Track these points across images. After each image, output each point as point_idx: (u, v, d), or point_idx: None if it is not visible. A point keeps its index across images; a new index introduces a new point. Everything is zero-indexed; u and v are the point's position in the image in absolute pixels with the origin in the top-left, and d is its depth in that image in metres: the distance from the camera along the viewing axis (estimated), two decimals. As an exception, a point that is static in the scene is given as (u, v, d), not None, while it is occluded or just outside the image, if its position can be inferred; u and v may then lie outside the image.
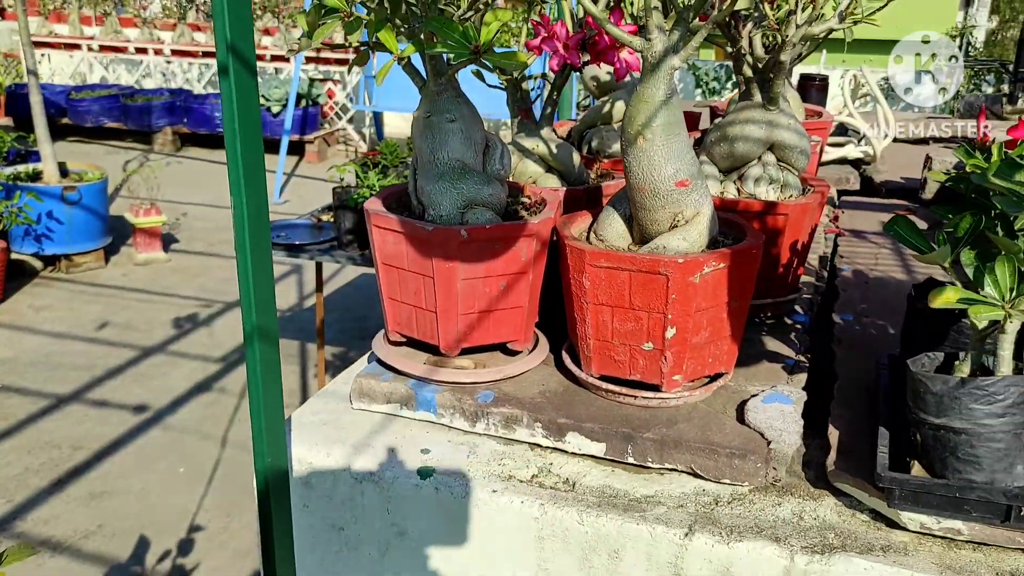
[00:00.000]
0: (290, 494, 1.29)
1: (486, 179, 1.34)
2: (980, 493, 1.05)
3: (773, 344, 1.54)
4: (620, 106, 1.91)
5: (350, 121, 10.33)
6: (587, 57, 1.47)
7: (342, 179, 3.76)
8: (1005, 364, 1.09)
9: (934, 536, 1.12)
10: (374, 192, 3.14)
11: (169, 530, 3.24)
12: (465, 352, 1.38)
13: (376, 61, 7.48)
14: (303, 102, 9.49)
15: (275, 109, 9.34)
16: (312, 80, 9.89)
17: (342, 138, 10.30)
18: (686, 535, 1.14)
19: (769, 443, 1.22)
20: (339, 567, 1.34)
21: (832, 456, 1.21)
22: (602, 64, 1.77)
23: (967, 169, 1.13)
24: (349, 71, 1.48)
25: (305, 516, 1.33)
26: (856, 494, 1.18)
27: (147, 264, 6.16)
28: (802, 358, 1.49)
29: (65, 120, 10.04)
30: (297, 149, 9.58)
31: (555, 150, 1.62)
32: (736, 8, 1.32)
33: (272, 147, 8.31)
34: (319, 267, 3.86)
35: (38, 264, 5.88)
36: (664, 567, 1.16)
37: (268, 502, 1.23)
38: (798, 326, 1.61)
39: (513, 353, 1.41)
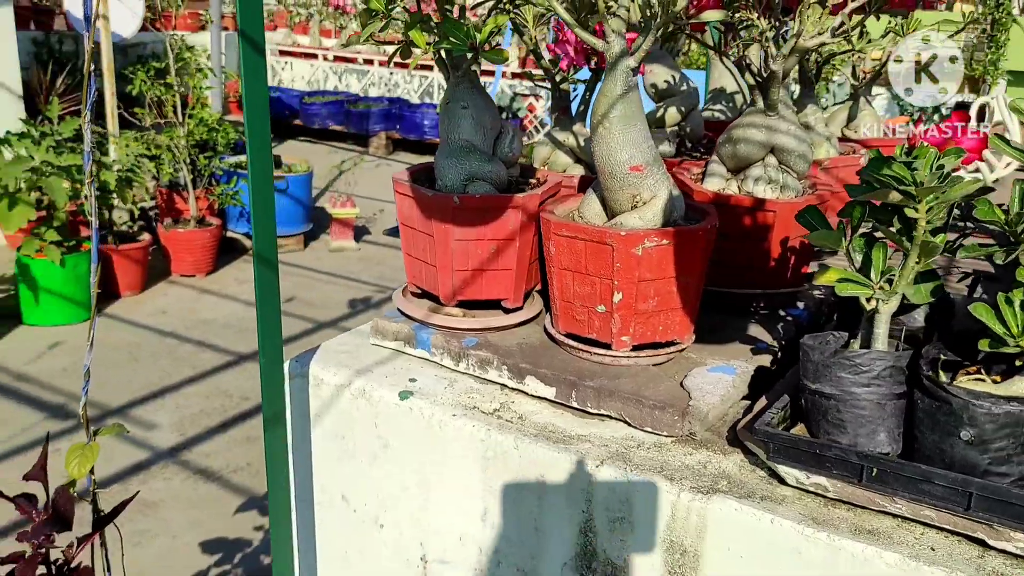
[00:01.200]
0: (309, 410, 1.59)
1: (489, 159, 1.59)
2: (837, 452, 1.16)
3: (755, 330, 1.67)
4: (672, 112, 2.08)
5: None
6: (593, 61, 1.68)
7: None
8: (879, 340, 1.20)
9: (809, 492, 1.23)
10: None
11: (302, 474, 3.68)
12: (465, 305, 1.62)
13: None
14: (503, 114, 10.02)
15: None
16: (515, 94, 10.42)
17: (539, 151, 10.74)
18: (597, 466, 1.33)
19: (689, 401, 1.38)
20: (341, 471, 1.62)
21: (747, 418, 1.35)
22: (657, 72, 1.97)
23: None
24: (389, 63, 1.77)
25: (317, 427, 1.62)
26: (758, 452, 1.31)
27: (338, 251, 6.82)
28: (775, 344, 1.61)
29: (297, 121, 11.20)
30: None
31: (583, 143, 1.83)
32: (708, 21, 1.48)
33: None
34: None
35: (247, 243, 6.69)
36: (578, 492, 1.35)
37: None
38: (789, 319, 1.72)
39: (507, 311, 1.64)
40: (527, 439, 1.39)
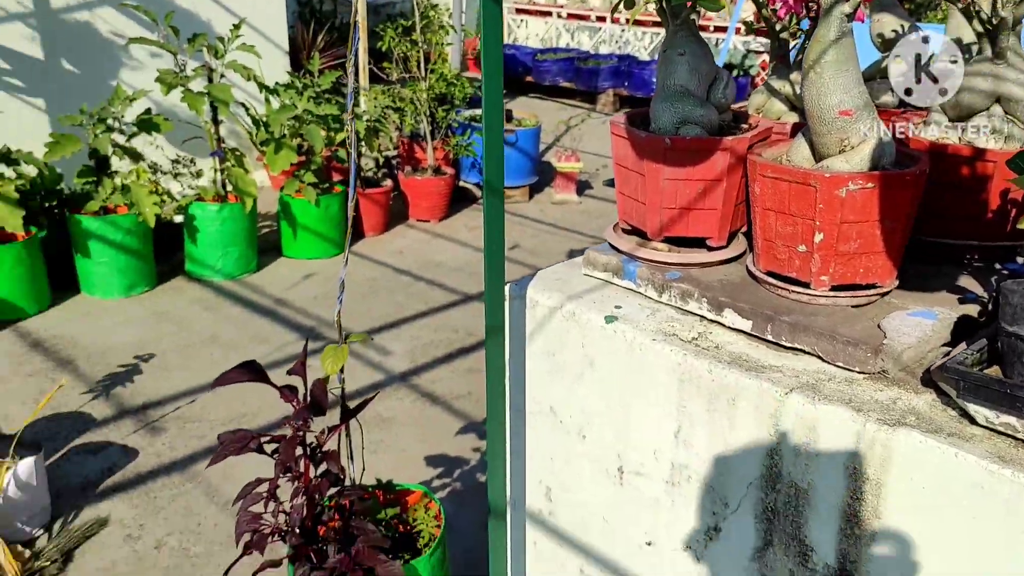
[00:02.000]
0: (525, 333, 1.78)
1: (702, 103, 1.68)
2: (1028, 393, 1.18)
3: (966, 282, 1.66)
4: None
5: (781, 94, 10.40)
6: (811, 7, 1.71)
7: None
8: (1084, 287, 1.19)
9: (998, 432, 1.25)
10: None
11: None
12: (670, 241, 1.74)
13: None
14: (735, 71, 9.80)
15: (707, 77, 9.79)
16: (748, 51, 10.13)
17: (770, 110, 10.42)
18: (787, 394, 1.41)
19: (884, 340, 1.42)
20: (550, 385, 1.80)
21: (942, 360, 1.37)
22: (885, 21, 1.97)
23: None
24: (612, 14, 1.88)
25: (531, 344, 1.81)
26: (948, 390, 1.33)
27: (561, 204, 7.05)
28: (985, 296, 1.59)
29: (529, 78, 11.53)
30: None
31: (799, 91, 1.87)
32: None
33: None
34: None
35: (477, 193, 7.07)
36: (767, 417, 1.44)
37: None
38: (1005, 272, 1.69)
39: (711, 249, 1.74)
40: (722, 365, 1.49)
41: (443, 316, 4.91)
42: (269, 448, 2.10)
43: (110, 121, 4.82)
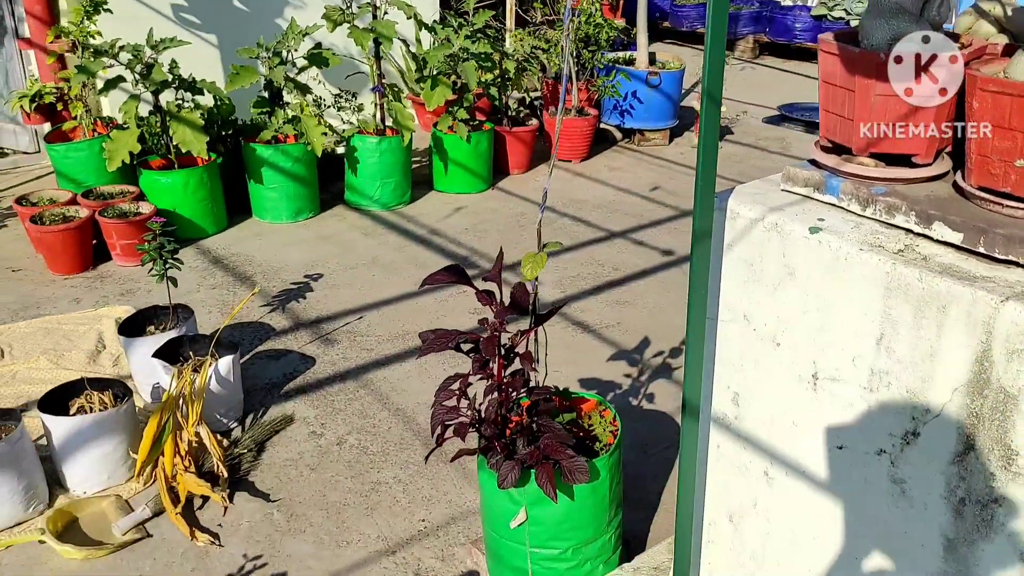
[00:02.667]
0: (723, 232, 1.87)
1: (916, 20, 1.70)
2: None
3: None
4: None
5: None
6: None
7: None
8: None
9: None
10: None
11: (667, 338, 4.04)
12: (876, 157, 1.78)
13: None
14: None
15: (853, 24, 9.45)
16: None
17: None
18: (1001, 302, 1.46)
19: (1106, 252, 1.44)
20: (746, 293, 1.89)
21: None
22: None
23: None
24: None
25: (729, 254, 1.89)
26: None
27: (703, 148, 7.01)
28: None
29: (666, 24, 11.37)
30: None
31: (1010, 13, 1.86)
32: None
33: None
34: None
35: (618, 135, 7.11)
36: (979, 324, 1.49)
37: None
38: None
39: (916, 167, 1.77)
40: (932, 274, 1.55)
41: (589, 251, 5.02)
42: (466, 348, 2.28)
43: (284, 54, 5.08)
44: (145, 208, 4.68)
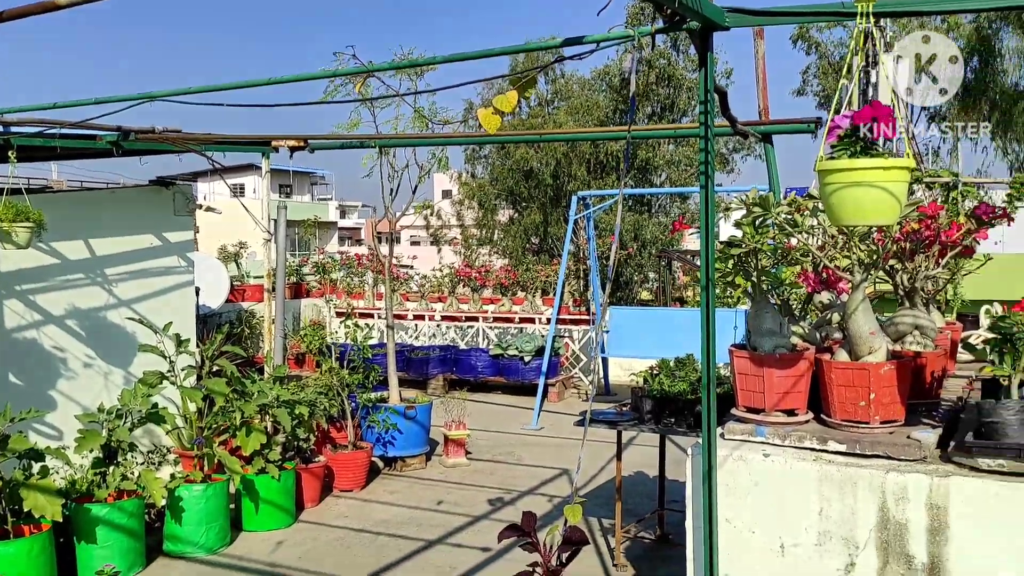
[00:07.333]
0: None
1: (783, 336, 3.14)
2: (1007, 445, 2.64)
3: (926, 418, 3.16)
4: (836, 316, 3.67)
5: (581, 369, 12.43)
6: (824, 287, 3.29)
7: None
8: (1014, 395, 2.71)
9: (995, 472, 2.68)
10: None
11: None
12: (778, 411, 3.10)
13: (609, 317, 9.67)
14: (551, 352, 11.70)
15: (527, 359, 11.65)
16: (555, 336, 12.17)
17: (575, 382, 12.36)
18: (886, 473, 2.76)
19: (919, 441, 2.84)
20: (726, 502, 3.00)
21: (951, 446, 2.81)
22: (824, 293, 3.58)
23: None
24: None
25: (719, 476, 3.02)
26: (958, 459, 2.76)
27: (455, 467, 8.13)
28: (938, 425, 3.09)
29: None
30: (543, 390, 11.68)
31: (806, 332, 3.40)
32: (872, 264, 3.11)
33: (526, 390, 10.52)
34: (620, 435, 5.60)
35: (381, 464, 7.98)
36: (876, 488, 2.77)
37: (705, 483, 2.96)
38: (935, 414, 3.22)
39: (797, 415, 3.12)
40: (843, 467, 2.83)
41: (423, 557, 5.72)
42: None
43: (124, 416, 5.44)
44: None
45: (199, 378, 6.50)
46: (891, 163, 2.33)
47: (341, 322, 8.91)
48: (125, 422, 5.49)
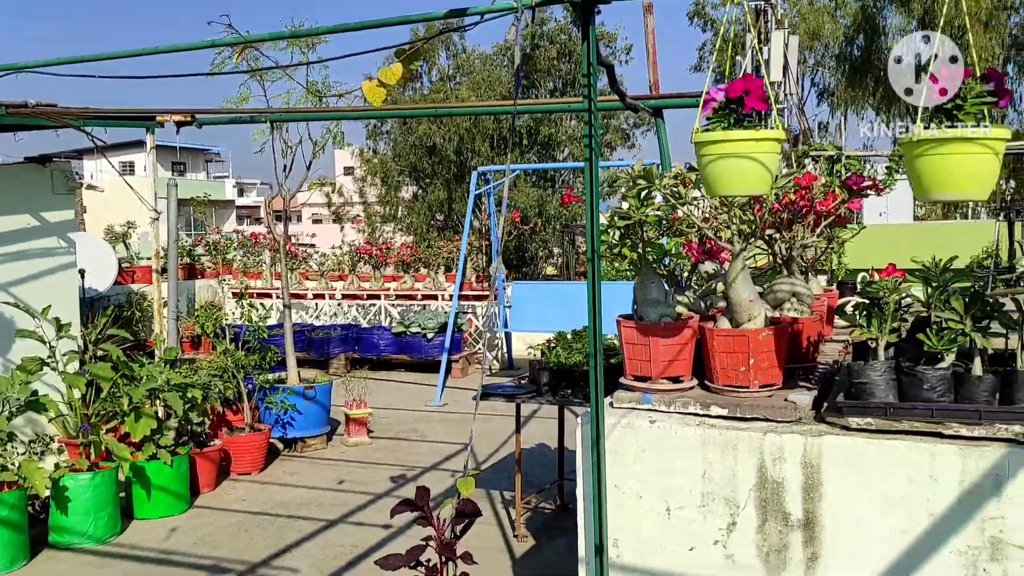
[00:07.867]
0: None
1: (668, 305, 3.21)
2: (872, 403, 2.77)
3: (803, 381, 3.29)
4: (720, 285, 3.78)
5: (484, 345, 12.48)
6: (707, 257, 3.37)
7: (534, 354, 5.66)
8: (880, 357, 2.85)
9: (861, 430, 2.81)
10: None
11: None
12: (665, 379, 3.17)
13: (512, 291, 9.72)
14: (455, 328, 11.69)
15: (430, 335, 11.62)
16: (458, 312, 12.16)
17: (479, 358, 12.40)
18: (763, 435, 2.86)
19: (795, 404, 2.96)
20: (612, 471, 3.06)
21: (824, 407, 2.93)
22: (708, 263, 3.68)
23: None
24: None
25: (607, 443, 3.08)
26: (830, 419, 2.88)
27: (356, 446, 8.06)
28: (814, 387, 3.22)
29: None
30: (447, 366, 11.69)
31: (692, 301, 3.49)
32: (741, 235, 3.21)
33: (430, 367, 10.54)
34: (519, 408, 5.65)
35: (280, 446, 7.85)
36: (755, 449, 2.87)
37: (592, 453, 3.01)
38: (812, 377, 3.35)
39: (683, 382, 3.20)
40: (724, 430, 2.92)
41: (323, 537, 5.67)
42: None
43: (2, 404, 5.18)
44: None
45: (83, 363, 6.25)
46: (761, 135, 2.41)
47: (237, 302, 8.67)
48: (3, 411, 5.23)
